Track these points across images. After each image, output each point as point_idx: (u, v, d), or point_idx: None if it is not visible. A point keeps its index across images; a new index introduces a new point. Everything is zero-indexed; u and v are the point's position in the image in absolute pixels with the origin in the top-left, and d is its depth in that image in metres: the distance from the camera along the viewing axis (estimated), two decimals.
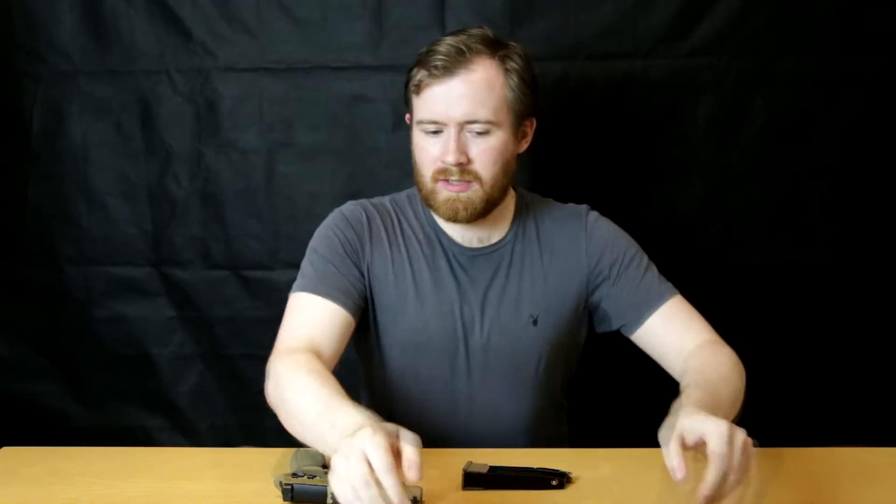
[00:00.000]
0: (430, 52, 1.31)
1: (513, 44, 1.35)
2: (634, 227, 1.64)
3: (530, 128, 1.39)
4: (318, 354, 1.24)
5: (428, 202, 1.36)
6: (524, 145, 1.39)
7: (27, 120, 1.82)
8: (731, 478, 0.98)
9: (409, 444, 0.93)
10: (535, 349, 1.39)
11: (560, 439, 1.50)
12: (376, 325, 1.39)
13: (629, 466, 1.23)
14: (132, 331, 1.88)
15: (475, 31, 1.33)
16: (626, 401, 1.78)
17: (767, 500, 1.13)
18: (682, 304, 1.39)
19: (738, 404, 1.24)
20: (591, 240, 1.41)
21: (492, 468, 1.16)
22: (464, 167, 1.30)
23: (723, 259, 1.79)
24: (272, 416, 1.68)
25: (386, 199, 1.46)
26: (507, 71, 1.31)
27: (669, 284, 1.41)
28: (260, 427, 1.86)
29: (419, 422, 1.36)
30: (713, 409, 1.08)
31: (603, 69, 1.74)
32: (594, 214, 1.45)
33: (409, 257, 1.39)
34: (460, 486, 1.14)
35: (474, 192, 1.31)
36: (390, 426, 0.97)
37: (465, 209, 1.32)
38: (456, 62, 1.28)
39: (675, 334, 1.36)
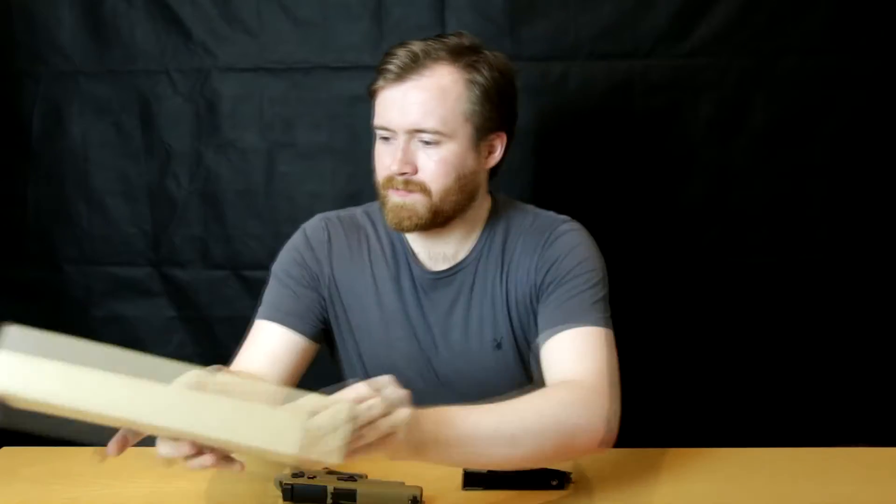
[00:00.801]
0: (388, 55, 1.24)
1: (490, 53, 1.27)
2: (634, 227, 1.65)
3: (500, 143, 1.30)
4: None
5: (382, 210, 1.29)
6: (491, 161, 1.31)
7: (27, 120, 1.82)
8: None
9: None
10: (501, 374, 1.32)
11: None
12: (345, 343, 1.35)
13: (629, 466, 1.23)
14: (132, 331, 1.88)
15: (448, 38, 1.26)
16: (626, 401, 1.78)
17: (768, 501, 1.13)
18: (593, 338, 1.21)
19: (553, 434, 1.09)
20: (543, 255, 1.29)
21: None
22: (409, 177, 1.23)
23: (723, 259, 1.79)
24: None
25: (358, 210, 1.39)
26: (468, 81, 1.23)
27: (597, 315, 1.23)
28: None
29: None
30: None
31: (603, 69, 1.74)
32: (564, 228, 1.32)
33: (375, 278, 1.33)
34: (460, 486, 1.14)
35: (419, 202, 1.24)
36: None
37: (410, 218, 1.24)
38: (408, 68, 1.21)
39: (562, 361, 1.21)
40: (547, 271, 1.29)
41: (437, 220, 1.27)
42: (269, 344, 1.28)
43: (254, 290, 1.83)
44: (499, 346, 1.32)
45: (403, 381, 1.29)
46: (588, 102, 1.76)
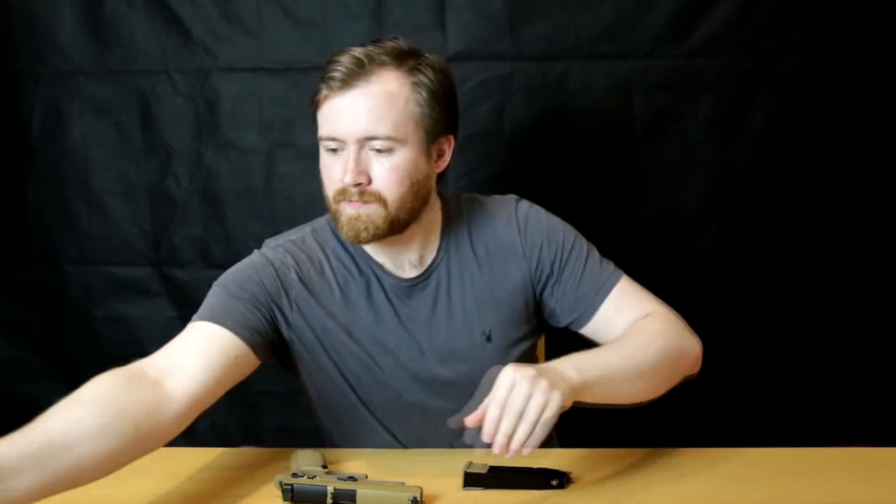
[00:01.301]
0: (330, 63, 1.20)
1: (430, 56, 1.25)
2: (634, 226, 1.65)
3: (448, 146, 1.28)
4: (156, 377, 1.12)
5: (335, 224, 1.25)
6: (441, 165, 1.29)
7: (27, 120, 1.82)
8: (507, 421, 1.01)
9: None
10: (493, 366, 1.26)
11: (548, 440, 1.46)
12: (323, 369, 1.30)
13: (629, 466, 1.23)
14: (132, 331, 1.88)
15: (386, 43, 1.23)
16: None
17: (768, 501, 1.13)
18: (628, 286, 1.32)
19: (667, 358, 1.22)
20: (525, 238, 1.32)
21: (492, 468, 1.16)
22: (363, 188, 1.20)
23: (723, 259, 1.79)
24: (272, 416, 1.70)
25: (307, 233, 1.33)
26: (414, 84, 1.21)
27: (611, 267, 1.32)
28: (260, 427, 1.87)
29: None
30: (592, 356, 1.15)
31: (603, 69, 1.74)
32: (524, 207, 1.34)
33: (346, 298, 1.29)
34: (460, 486, 1.14)
35: (375, 212, 1.21)
36: None
37: (367, 229, 1.21)
38: (354, 74, 1.18)
39: (622, 318, 1.29)
40: (539, 253, 1.31)
41: (395, 229, 1.24)
42: (203, 342, 1.19)
43: None
44: (488, 338, 1.31)
45: (392, 393, 1.28)
46: (588, 102, 1.76)
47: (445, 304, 1.31)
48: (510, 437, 1.02)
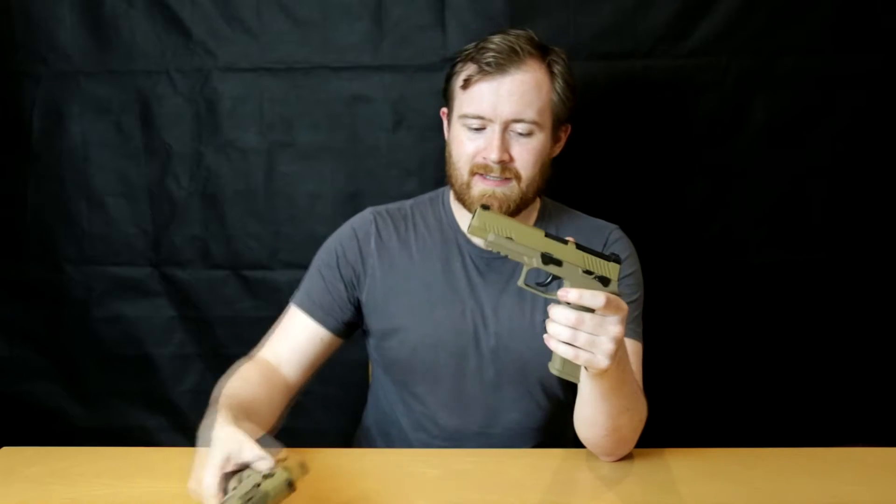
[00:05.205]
0: (482, 48, 1.31)
1: (556, 48, 1.36)
2: (634, 226, 1.64)
3: (565, 133, 1.40)
4: (275, 365, 1.35)
5: (461, 196, 1.35)
6: (557, 150, 1.39)
7: (27, 120, 1.82)
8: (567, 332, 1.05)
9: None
10: (547, 353, 1.37)
11: (566, 439, 1.49)
12: (388, 329, 1.38)
13: (630, 466, 1.23)
14: (132, 331, 1.88)
15: (521, 33, 1.33)
16: None
17: (768, 501, 1.13)
18: (637, 353, 1.37)
19: (620, 429, 1.24)
20: (604, 247, 1.40)
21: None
22: (505, 165, 1.30)
23: (723, 259, 1.79)
24: None
25: (407, 203, 1.46)
26: (553, 74, 1.33)
27: (639, 330, 1.39)
28: None
29: (429, 422, 1.37)
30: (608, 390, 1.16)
31: (603, 69, 1.74)
32: (619, 234, 1.44)
33: (422, 259, 1.39)
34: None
35: (511, 190, 1.31)
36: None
37: (501, 206, 1.31)
38: (509, 60, 1.29)
39: None
40: None
41: (521, 208, 1.34)
42: (296, 335, 1.37)
43: (254, 290, 1.84)
44: None
45: (447, 358, 1.35)
46: (588, 102, 1.75)
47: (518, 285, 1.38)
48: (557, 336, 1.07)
